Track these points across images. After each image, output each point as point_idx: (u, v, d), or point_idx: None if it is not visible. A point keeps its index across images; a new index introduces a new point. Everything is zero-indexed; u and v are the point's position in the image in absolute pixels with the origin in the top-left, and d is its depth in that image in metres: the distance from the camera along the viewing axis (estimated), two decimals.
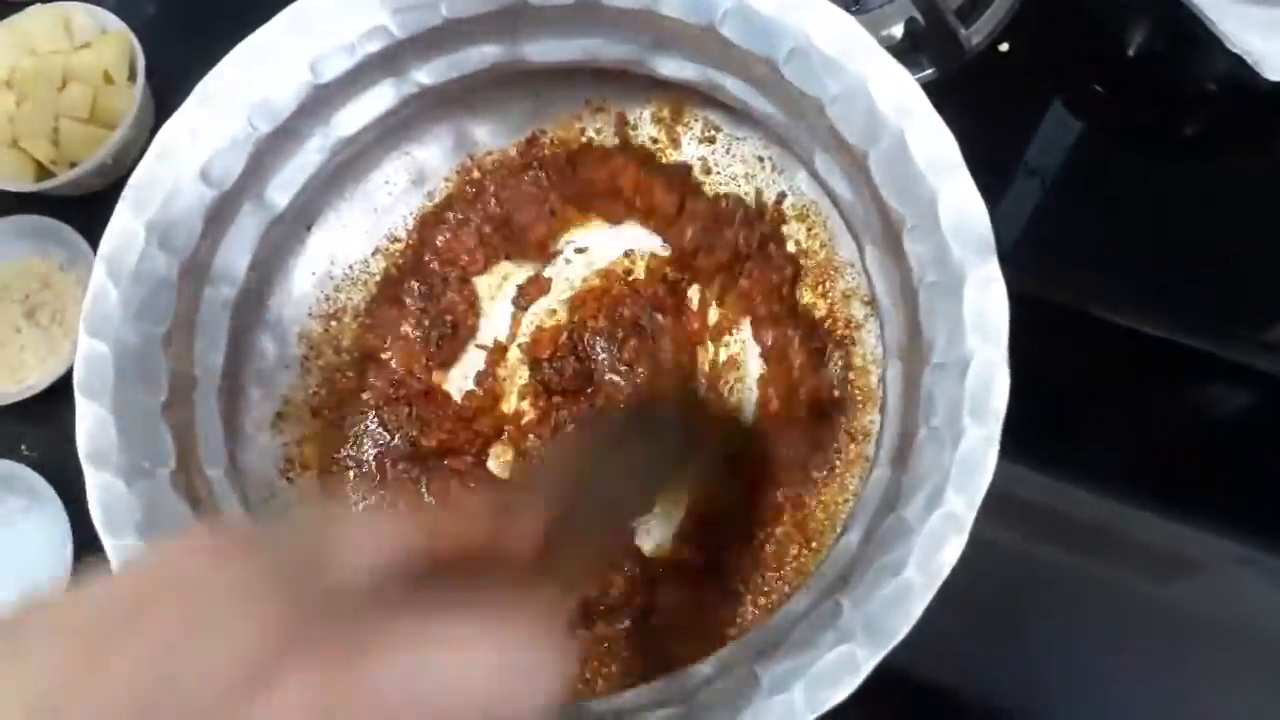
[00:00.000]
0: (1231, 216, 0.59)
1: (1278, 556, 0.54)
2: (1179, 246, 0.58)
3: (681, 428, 0.45)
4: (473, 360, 0.53)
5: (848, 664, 0.34)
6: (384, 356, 0.52)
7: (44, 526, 0.55)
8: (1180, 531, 0.55)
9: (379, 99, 0.46)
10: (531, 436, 0.51)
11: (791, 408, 0.48)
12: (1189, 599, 0.54)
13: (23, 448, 0.58)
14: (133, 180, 0.41)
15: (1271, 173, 0.59)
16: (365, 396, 0.52)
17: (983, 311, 0.36)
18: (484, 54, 0.45)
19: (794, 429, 0.48)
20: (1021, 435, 0.55)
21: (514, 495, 0.28)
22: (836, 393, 0.48)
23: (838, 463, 0.48)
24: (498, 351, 0.53)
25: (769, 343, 0.50)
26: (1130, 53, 0.60)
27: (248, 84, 0.42)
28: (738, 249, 0.50)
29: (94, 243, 0.42)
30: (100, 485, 0.37)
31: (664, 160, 0.52)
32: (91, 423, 0.38)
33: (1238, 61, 0.54)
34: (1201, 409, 0.59)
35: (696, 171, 0.52)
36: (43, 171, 0.60)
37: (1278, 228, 0.58)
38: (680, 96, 0.49)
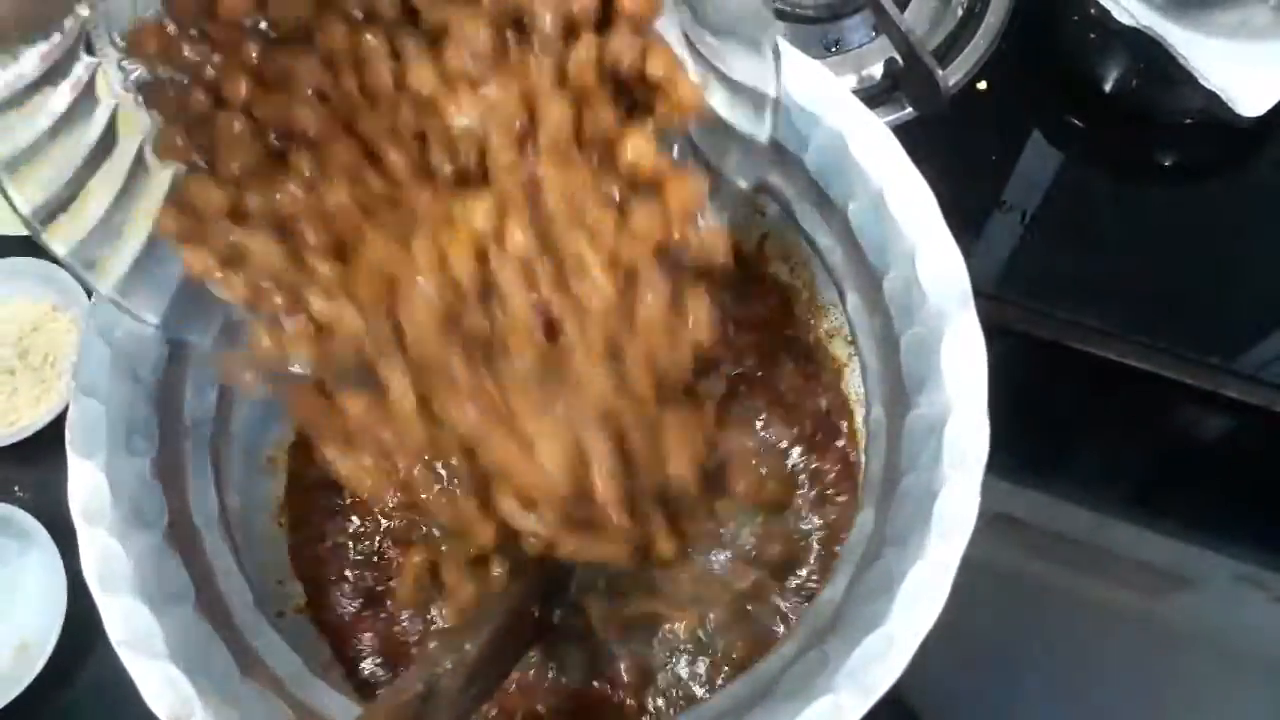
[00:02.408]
0: (1208, 247, 0.60)
1: (1271, 571, 0.55)
2: (1156, 277, 0.59)
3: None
4: None
5: (831, 715, 0.34)
6: None
7: (38, 568, 0.56)
8: (1173, 547, 0.56)
9: None
10: None
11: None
12: (1183, 614, 0.55)
13: (15, 489, 0.59)
14: None
15: (1247, 204, 0.60)
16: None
17: (961, 364, 0.37)
18: None
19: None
20: (1018, 459, 0.55)
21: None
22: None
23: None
24: None
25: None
26: (1106, 89, 0.61)
27: None
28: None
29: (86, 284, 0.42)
30: (94, 544, 0.37)
31: None
32: (84, 481, 0.38)
33: (1212, 97, 0.55)
34: (1187, 433, 0.60)
35: None
36: None
37: (1251, 258, 0.59)
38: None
